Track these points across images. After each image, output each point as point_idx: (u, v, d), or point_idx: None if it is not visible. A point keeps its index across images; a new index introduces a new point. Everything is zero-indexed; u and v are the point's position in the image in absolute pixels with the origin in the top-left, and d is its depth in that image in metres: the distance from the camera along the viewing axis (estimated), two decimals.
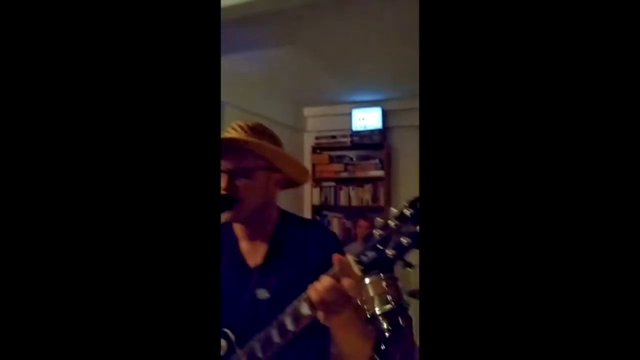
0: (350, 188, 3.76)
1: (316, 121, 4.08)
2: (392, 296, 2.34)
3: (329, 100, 3.81)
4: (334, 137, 3.86)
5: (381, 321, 2.43)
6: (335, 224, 3.81)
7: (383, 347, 2.47)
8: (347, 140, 3.78)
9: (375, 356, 2.19)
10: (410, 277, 3.24)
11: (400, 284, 2.47)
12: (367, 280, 2.39)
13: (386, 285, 2.36)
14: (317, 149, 3.91)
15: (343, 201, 3.79)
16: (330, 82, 3.29)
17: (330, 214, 3.88)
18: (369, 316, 2.33)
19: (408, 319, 2.62)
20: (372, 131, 3.69)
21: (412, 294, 2.59)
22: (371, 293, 2.36)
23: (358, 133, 3.73)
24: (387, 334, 2.44)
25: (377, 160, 3.70)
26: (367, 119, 3.72)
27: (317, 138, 3.92)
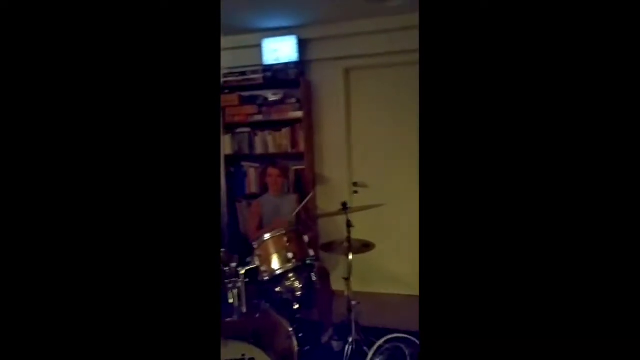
0: (267, 133, 3.30)
1: (221, 55, 3.45)
2: (293, 253, 2.01)
3: (235, 28, 3.18)
4: (243, 73, 3.29)
5: (289, 280, 2.12)
6: (252, 175, 3.38)
7: (297, 306, 2.18)
8: (259, 77, 3.24)
9: (289, 327, 1.89)
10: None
11: (306, 238, 2.13)
12: (266, 237, 2.02)
13: (287, 241, 2.01)
14: (225, 88, 3.32)
15: (259, 149, 3.33)
16: (235, 5, 2.66)
17: (246, 164, 3.42)
18: (266, 278, 1.99)
19: (322, 273, 2.35)
20: (286, 65, 3.17)
21: (324, 248, 2.28)
22: (271, 251, 2.01)
23: (271, 68, 3.19)
24: (298, 293, 2.14)
25: (294, 100, 3.23)
26: (280, 50, 3.17)
27: (224, 76, 3.33)
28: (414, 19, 3.06)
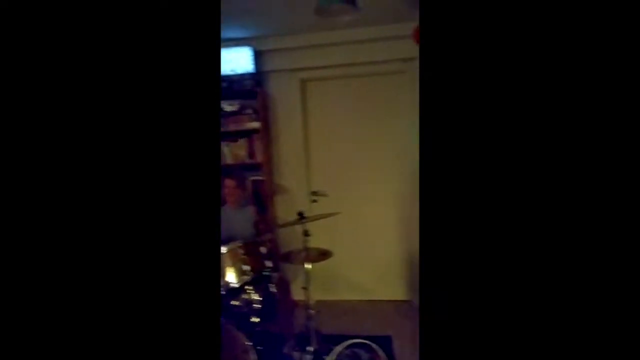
0: (224, 144, 3.26)
1: None
2: (250, 265, 1.99)
3: None
4: None
5: (247, 293, 2.09)
6: None
7: (256, 319, 2.15)
8: None
9: (246, 341, 1.85)
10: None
11: (264, 249, 2.12)
12: (222, 250, 1.99)
13: (244, 254, 2.00)
14: None
15: None
16: None
17: None
18: (222, 292, 1.96)
19: (281, 283, 2.34)
20: (242, 76, 3.16)
21: (283, 258, 2.28)
22: (226, 264, 1.98)
23: (227, 78, 3.17)
24: (257, 306, 2.11)
25: (251, 110, 3.22)
26: (236, 61, 3.17)
27: None
28: (365, 32, 3.17)
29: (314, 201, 3.28)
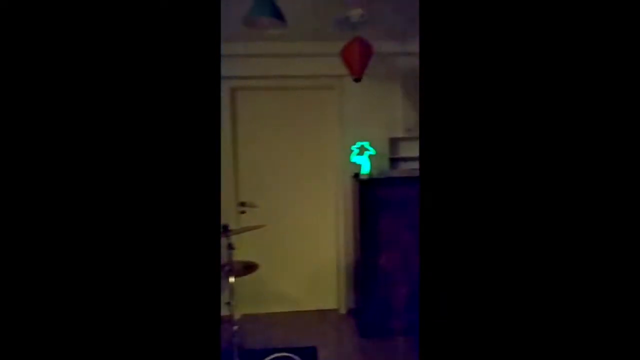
0: None
1: None
2: None
3: None
4: None
5: None
6: None
7: None
8: None
9: None
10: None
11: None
12: None
13: None
14: None
15: None
16: None
17: None
18: None
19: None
20: None
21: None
22: None
23: None
24: None
25: None
26: None
27: None
28: (295, 47, 3.23)
29: (243, 212, 3.22)
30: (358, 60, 2.42)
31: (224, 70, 3.19)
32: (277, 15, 1.88)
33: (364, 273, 2.87)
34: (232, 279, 2.06)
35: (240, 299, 3.19)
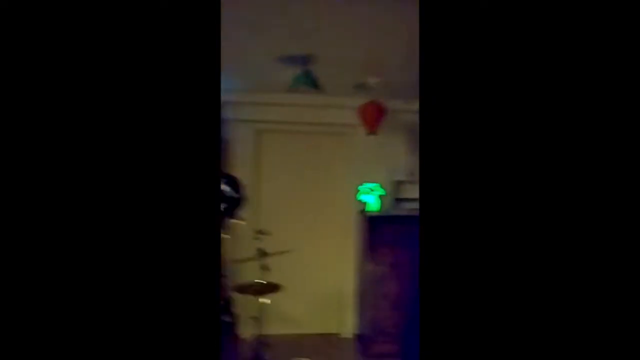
0: None
1: None
2: None
3: None
4: None
5: None
6: None
7: None
8: None
9: None
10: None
11: (227, 281, 2.39)
12: None
13: None
14: None
15: None
16: None
17: None
18: None
19: (233, 315, 2.57)
20: None
21: (238, 289, 2.55)
22: None
23: None
24: None
25: None
26: None
27: None
28: (314, 99, 3.75)
29: (257, 239, 3.59)
30: (374, 119, 2.92)
31: (251, 115, 3.69)
32: (314, 85, 2.37)
33: (368, 300, 3.24)
34: (265, 300, 2.39)
35: (244, 320, 3.50)
